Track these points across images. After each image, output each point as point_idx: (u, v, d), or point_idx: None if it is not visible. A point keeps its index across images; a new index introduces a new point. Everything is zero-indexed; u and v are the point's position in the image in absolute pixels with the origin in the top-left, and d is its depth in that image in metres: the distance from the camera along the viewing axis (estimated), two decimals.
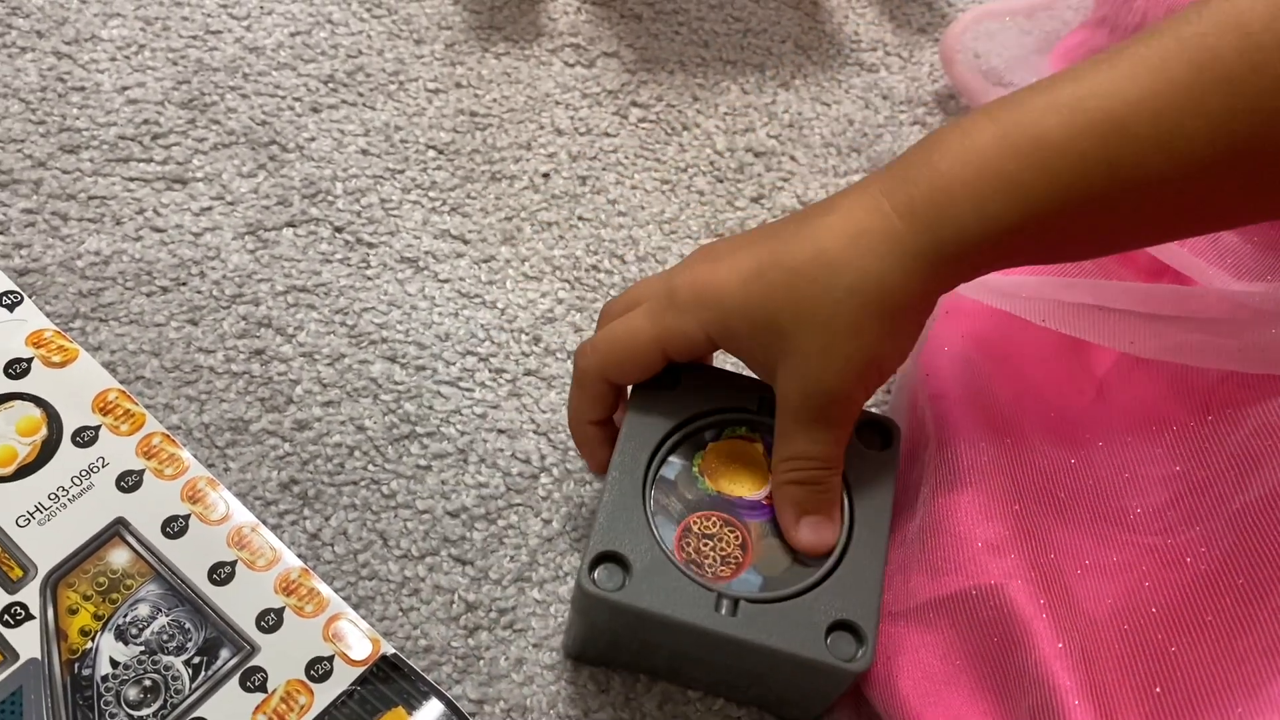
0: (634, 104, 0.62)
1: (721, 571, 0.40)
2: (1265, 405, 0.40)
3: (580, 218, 0.57)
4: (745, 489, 0.42)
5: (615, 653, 0.44)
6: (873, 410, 0.46)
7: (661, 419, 0.43)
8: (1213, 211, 0.39)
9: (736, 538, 0.41)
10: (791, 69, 0.65)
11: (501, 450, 0.50)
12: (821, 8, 0.68)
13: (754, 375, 0.45)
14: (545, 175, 0.58)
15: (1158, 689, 0.37)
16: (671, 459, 0.43)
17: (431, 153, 0.58)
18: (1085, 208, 0.37)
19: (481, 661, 0.45)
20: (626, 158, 0.60)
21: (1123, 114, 0.36)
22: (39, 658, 0.42)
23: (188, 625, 0.44)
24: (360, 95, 0.60)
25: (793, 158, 0.61)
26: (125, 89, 0.57)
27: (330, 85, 0.59)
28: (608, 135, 0.60)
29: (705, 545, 0.41)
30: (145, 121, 0.56)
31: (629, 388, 0.44)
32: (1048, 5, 0.68)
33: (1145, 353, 0.44)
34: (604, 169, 0.59)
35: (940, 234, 0.37)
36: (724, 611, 0.39)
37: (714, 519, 0.41)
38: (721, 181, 0.60)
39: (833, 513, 0.41)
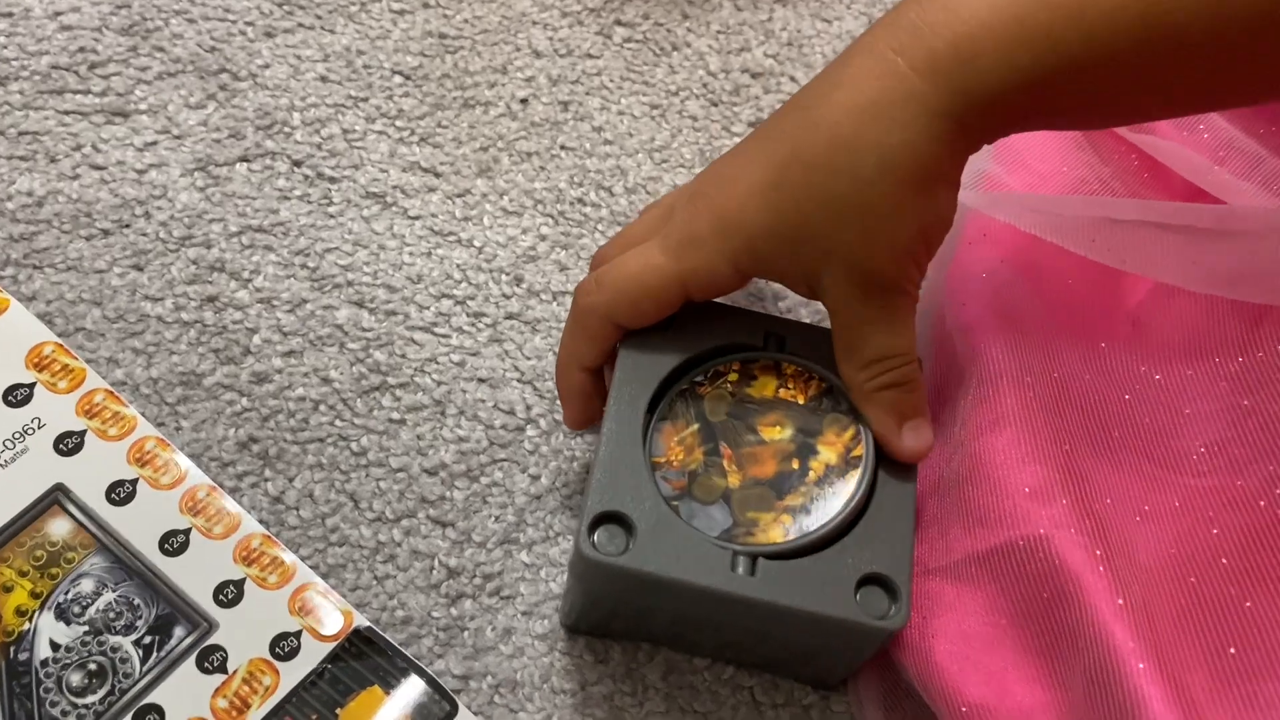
0: (619, 22, 0.57)
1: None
2: None
3: (563, 147, 0.52)
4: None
5: (617, 621, 0.40)
6: None
7: (659, 361, 0.38)
8: (1255, 74, 0.35)
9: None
10: None
11: (483, 401, 0.45)
12: None
13: (751, 309, 0.40)
14: (523, 101, 0.53)
15: (1232, 649, 0.33)
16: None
17: (398, 78, 0.53)
18: (1120, 61, 0.34)
19: (466, 633, 0.41)
20: (612, 81, 0.55)
21: None
22: None
23: (137, 601, 0.39)
24: (318, 18, 0.54)
25: (792, 78, 0.56)
26: (58, 14, 0.52)
27: (285, 7, 0.54)
28: (590, 57, 0.55)
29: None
30: (81, 49, 0.51)
31: None
32: None
33: (1192, 285, 0.40)
34: (587, 93, 0.54)
35: (967, 88, 0.34)
36: (741, 570, 0.35)
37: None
38: (716, 105, 0.55)
39: (926, 411, 0.38)
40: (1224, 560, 0.35)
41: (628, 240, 0.40)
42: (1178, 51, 0.33)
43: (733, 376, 0.39)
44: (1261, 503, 0.35)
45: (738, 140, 0.54)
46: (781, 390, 0.39)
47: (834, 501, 0.36)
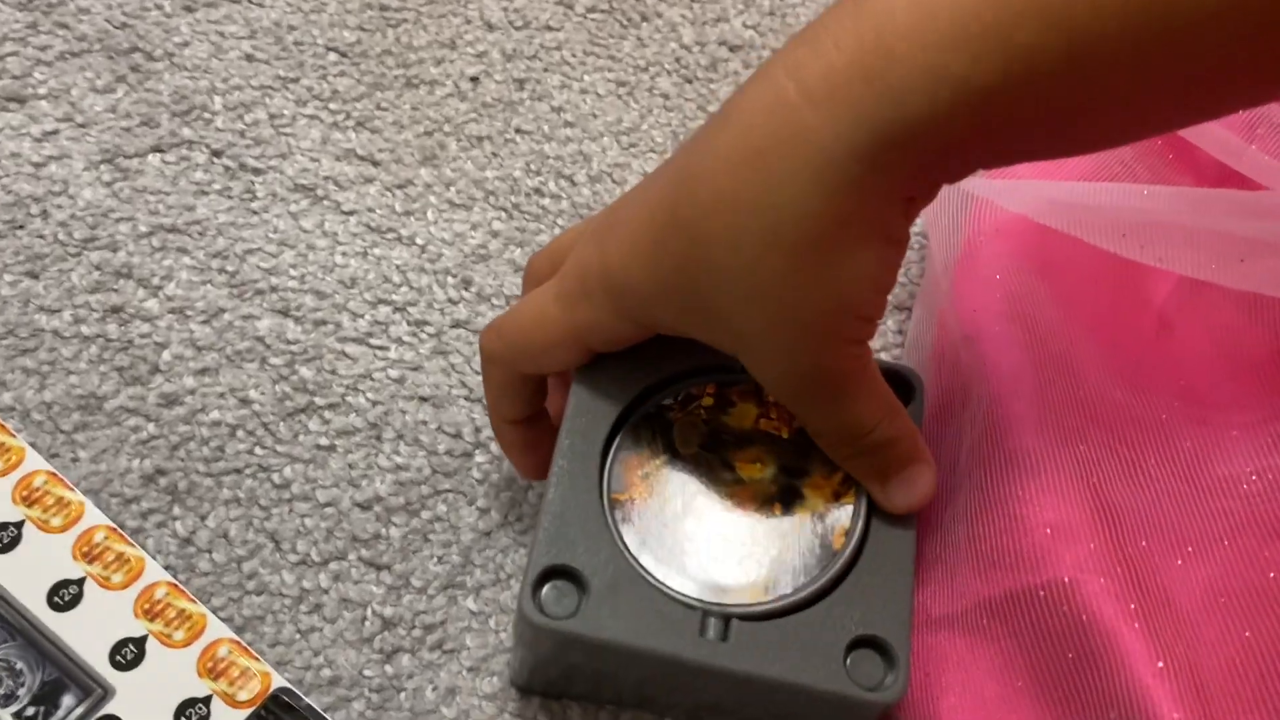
0: None
1: None
2: None
3: (518, 130, 0.47)
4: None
5: (575, 684, 0.35)
6: (883, 357, 0.36)
7: (619, 387, 0.33)
8: (1235, 83, 0.26)
9: None
10: None
11: (425, 423, 0.40)
12: None
13: None
14: (473, 80, 0.48)
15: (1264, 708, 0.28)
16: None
17: (333, 56, 0.47)
18: (1094, 64, 0.25)
19: (403, 694, 0.36)
20: (573, 56, 0.49)
21: None
22: None
23: (19, 665, 0.34)
24: None
25: (775, 51, 0.51)
26: None
27: None
28: (550, 29, 0.50)
29: None
30: None
31: None
32: None
33: (1240, 284, 0.35)
34: (546, 70, 0.49)
35: (878, 117, 0.26)
36: (712, 635, 0.30)
37: None
38: (690, 82, 0.50)
39: (916, 455, 0.32)
40: (1240, 596, 0.30)
41: (554, 254, 0.34)
42: (1181, 29, 0.24)
43: (707, 401, 0.34)
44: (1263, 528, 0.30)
45: None
46: (763, 420, 0.33)
47: (822, 556, 0.31)
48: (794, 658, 0.29)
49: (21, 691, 0.34)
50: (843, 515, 0.32)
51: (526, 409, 0.35)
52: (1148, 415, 0.34)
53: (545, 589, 0.30)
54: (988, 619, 0.33)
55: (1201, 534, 0.32)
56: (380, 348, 0.41)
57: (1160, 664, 0.29)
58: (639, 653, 0.29)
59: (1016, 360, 0.35)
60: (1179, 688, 0.29)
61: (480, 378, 0.41)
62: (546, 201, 0.45)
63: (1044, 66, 0.25)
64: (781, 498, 0.32)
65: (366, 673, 0.36)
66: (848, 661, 0.30)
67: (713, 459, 0.33)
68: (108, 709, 0.34)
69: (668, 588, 0.30)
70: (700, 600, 0.30)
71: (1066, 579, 0.31)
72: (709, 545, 0.31)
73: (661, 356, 0.33)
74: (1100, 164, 0.43)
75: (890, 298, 0.45)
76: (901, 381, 0.35)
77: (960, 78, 0.25)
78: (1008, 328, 0.36)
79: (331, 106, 0.46)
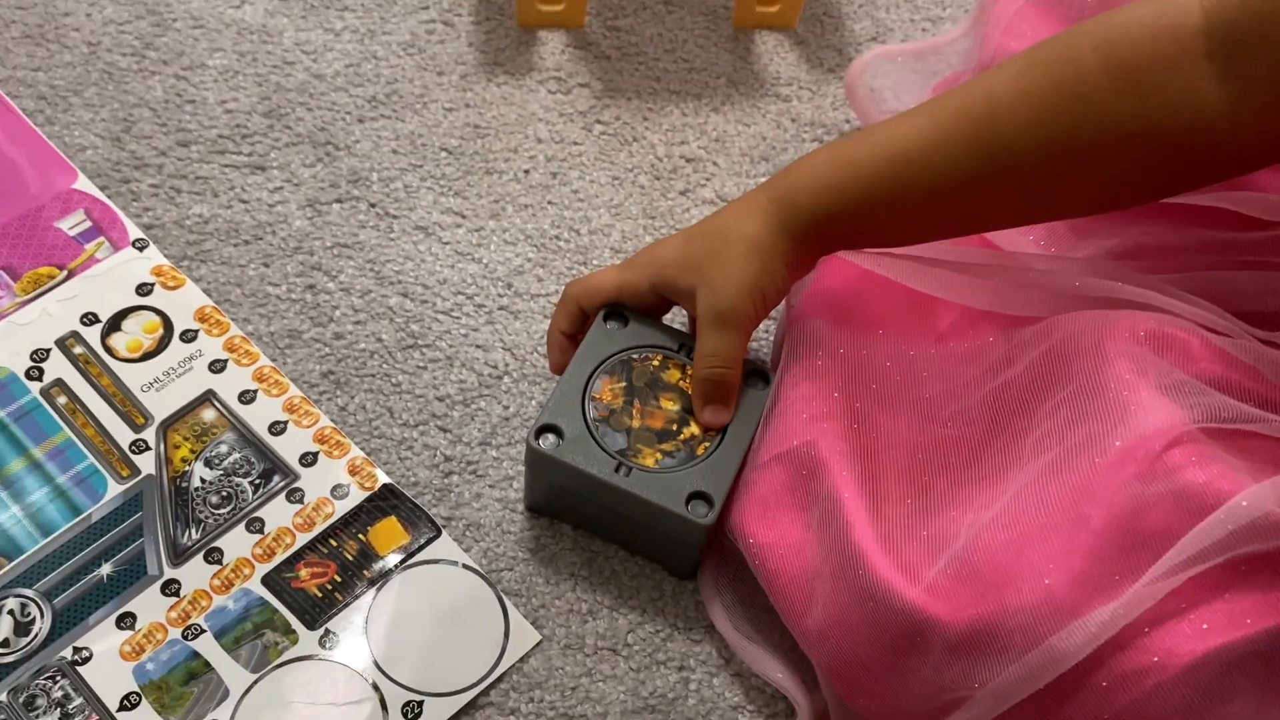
0: (598, 121, 0.82)
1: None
2: (1022, 328, 0.58)
3: (549, 202, 0.77)
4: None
5: (558, 503, 0.62)
6: (753, 345, 0.64)
7: (608, 345, 0.62)
8: (975, 216, 0.57)
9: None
10: (722, 97, 0.84)
11: (477, 359, 0.70)
12: (752, 52, 0.87)
13: (679, 328, 0.63)
14: (526, 171, 0.79)
15: (908, 500, 0.55)
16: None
17: (444, 154, 0.79)
18: (880, 206, 0.56)
19: (452, 494, 0.64)
20: (588, 160, 0.80)
21: (904, 145, 0.55)
22: (154, 474, 0.63)
23: (252, 459, 0.64)
24: (394, 111, 0.80)
25: (715, 163, 0.81)
26: (224, 102, 0.79)
27: (373, 103, 0.80)
28: (575, 144, 0.80)
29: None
30: (237, 126, 0.78)
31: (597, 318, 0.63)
32: (934, 49, 0.84)
33: (967, 300, 0.61)
34: (570, 168, 0.79)
35: (789, 213, 0.57)
36: (620, 473, 0.57)
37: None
38: (659, 179, 0.79)
39: (729, 402, 0.59)
40: (920, 456, 0.57)
41: (588, 281, 0.64)
42: (917, 196, 0.54)
43: (655, 361, 0.62)
44: (950, 425, 0.58)
45: (671, 203, 0.78)
46: (682, 381, 0.61)
47: (690, 457, 0.58)
48: (662, 493, 0.56)
49: (253, 471, 0.64)
50: (707, 439, 0.60)
51: (571, 328, 0.63)
52: (899, 371, 0.59)
53: (543, 436, 0.58)
54: (772, 464, 0.59)
55: (904, 432, 0.57)
56: (456, 318, 0.71)
57: (845, 472, 0.56)
58: (580, 473, 0.57)
59: (818, 340, 0.61)
60: (856, 481, 0.54)
61: (511, 337, 0.71)
62: (562, 243, 0.75)
63: (861, 205, 0.56)
64: (679, 422, 0.60)
65: (434, 482, 0.65)
66: (689, 505, 0.57)
67: (649, 392, 0.61)
68: (297, 485, 0.63)
69: (605, 445, 0.58)
70: (621, 457, 0.58)
71: (810, 438, 0.58)
72: (635, 433, 0.59)
73: (637, 336, 0.62)
74: None
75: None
76: (764, 374, 0.62)
77: (823, 203, 0.56)
78: (826, 319, 0.62)
79: (440, 183, 0.77)
